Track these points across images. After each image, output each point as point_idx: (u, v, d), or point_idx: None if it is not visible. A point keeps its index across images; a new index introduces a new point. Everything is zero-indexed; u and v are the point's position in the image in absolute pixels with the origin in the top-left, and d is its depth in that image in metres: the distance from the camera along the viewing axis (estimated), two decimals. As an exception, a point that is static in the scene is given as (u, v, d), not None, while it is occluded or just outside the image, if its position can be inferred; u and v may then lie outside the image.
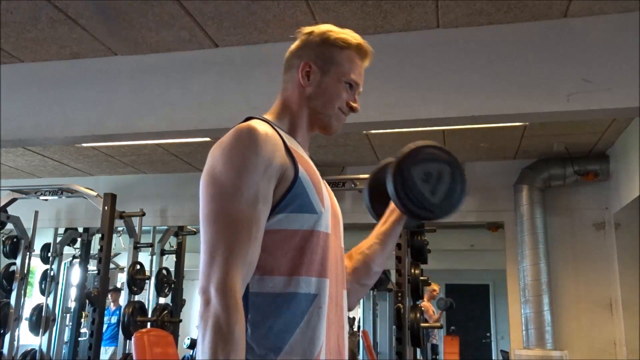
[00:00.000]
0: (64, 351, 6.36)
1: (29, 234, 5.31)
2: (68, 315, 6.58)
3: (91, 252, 6.62)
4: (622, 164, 4.60)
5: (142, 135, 3.35)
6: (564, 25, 2.81)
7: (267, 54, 3.08)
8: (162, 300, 5.84)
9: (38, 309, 5.67)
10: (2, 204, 5.05)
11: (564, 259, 5.08)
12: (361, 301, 10.20)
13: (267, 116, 1.20)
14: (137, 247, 5.25)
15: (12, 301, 4.99)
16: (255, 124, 1.08)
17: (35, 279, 7.13)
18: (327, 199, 1.14)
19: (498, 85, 2.84)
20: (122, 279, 7.08)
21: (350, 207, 5.23)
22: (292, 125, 1.20)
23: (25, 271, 5.23)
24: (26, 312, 5.64)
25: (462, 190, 1.25)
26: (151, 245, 5.82)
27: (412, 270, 3.89)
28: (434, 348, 7.87)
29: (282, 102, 1.23)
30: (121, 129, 3.28)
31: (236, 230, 0.99)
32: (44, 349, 5.70)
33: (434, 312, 7.48)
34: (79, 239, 6.57)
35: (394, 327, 3.61)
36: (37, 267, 7.11)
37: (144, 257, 5.54)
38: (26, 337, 6.00)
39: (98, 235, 4.82)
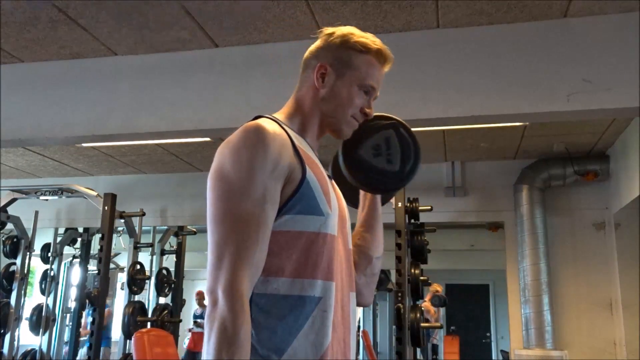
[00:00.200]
0: (63, 351, 6.36)
1: (29, 234, 5.31)
2: (68, 315, 6.58)
3: (91, 252, 6.62)
4: (622, 164, 4.60)
5: (142, 135, 3.35)
6: (564, 25, 2.82)
7: (267, 54, 3.08)
8: (162, 300, 5.84)
9: (38, 309, 5.67)
10: (2, 204, 5.05)
11: (564, 259, 5.08)
12: (361, 301, 10.18)
13: (278, 115, 1.19)
14: (137, 247, 5.26)
15: (12, 301, 5.00)
16: (264, 122, 1.07)
17: (35, 279, 7.14)
18: (334, 201, 1.13)
19: (498, 85, 2.84)
20: (122, 279, 7.07)
21: (350, 207, 5.21)
22: (302, 126, 1.19)
23: (25, 271, 5.23)
24: (26, 312, 5.64)
25: (415, 146, 1.24)
26: (151, 245, 5.82)
27: (412, 270, 3.89)
28: (434, 348, 7.87)
29: (295, 101, 1.22)
30: (121, 129, 3.29)
31: (244, 231, 0.98)
32: (44, 349, 5.70)
33: (435, 312, 7.48)
34: (79, 239, 6.57)
35: (394, 327, 3.61)
36: (37, 267, 7.11)
37: (144, 257, 5.54)
38: (26, 337, 6.00)
39: (98, 235, 4.82)
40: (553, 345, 4.76)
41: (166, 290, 5.90)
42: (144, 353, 3.61)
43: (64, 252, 6.46)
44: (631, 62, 2.67)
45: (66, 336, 6.51)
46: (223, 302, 0.93)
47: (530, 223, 5.00)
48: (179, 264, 6.37)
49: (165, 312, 5.28)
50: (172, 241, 6.44)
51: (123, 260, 7.01)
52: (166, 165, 5.73)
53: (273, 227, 1.03)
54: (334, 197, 1.14)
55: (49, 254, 6.20)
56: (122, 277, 6.55)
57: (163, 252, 6.24)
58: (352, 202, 1.35)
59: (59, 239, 6.34)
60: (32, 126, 3.38)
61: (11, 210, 5.19)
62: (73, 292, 6.71)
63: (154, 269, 5.79)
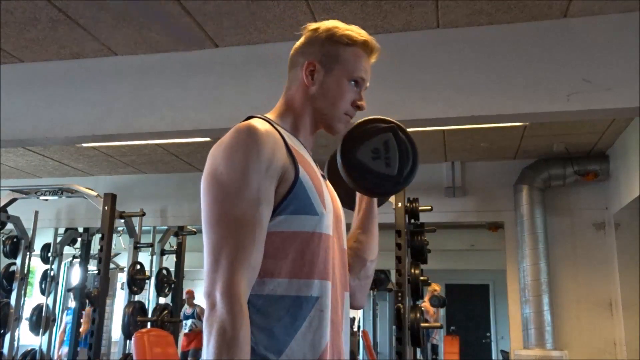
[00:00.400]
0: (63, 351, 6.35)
1: (29, 234, 5.31)
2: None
3: (91, 252, 6.62)
4: (622, 164, 4.60)
5: (142, 135, 3.35)
6: (564, 25, 2.82)
7: (267, 54, 3.08)
8: (162, 300, 5.84)
9: (38, 309, 5.67)
10: (2, 204, 5.05)
11: (564, 259, 5.08)
12: (361, 301, 10.18)
13: (270, 115, 1.18)
14: (137, 247, 5.25)
15: (12, 301, 4.99)
16: (256, 122, 1.07)
17: (35, 279, 7.13)
18: (329, 200, 1.12)
19: (498, 85, 2.84)
20: (122, 279, 7.07)
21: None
22: (294, 125, 1.19)
23: (25, 271, 5.22)
24: (26, 312, 5.64)
25: (413, 149, 1.24)
26: (151, 245, 5.82)
27: (412, 270, 3.89)
28: (434, 348, 7.87)
29: (285, 100, 1.21)
30: (121, 129, 3.28)
31: (240, 233, 0.98)
32: (44, 349, 5.70)
33: (434, 312, 7.48)
34: (79, 239, 6.57)
35: (394, 327, 3.61)
36: (37, 267, 7.11)
37: (144, 257, 5.54)
38: (26, 337, 6.00)
39: (98, 235, 4.82)
40: (553, 345, 4.76)
41: (166, 290, 5.91)
42: (144, 353, 3.61)
43: (64, 252, 6.46)
44: (631, 62, 2.67)
45: (66, 336, 6.51)
46: (221, 304, 0.93)
47: (530, 223, 5.00)
48: (179, 264, 6.37)
49: (165, 312, 5.28)
50: (172, 241, 6.44)
51: (123, 260, 7.02)
52: (166, 165, 5.73)
53: (268, 228, 1.02)
54: (328, 197, 1.13)
55: (49, 254, 6.21)
56: (122, 277, 6.56)
57: (163, 252, 6.24)
58: (349, 204, 1.35)
59: (59, 239, 6.34)
60: (32, 126, 3.38)
61: (11, 210, 5.19)
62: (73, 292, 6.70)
63: (154, 269, 5.79)
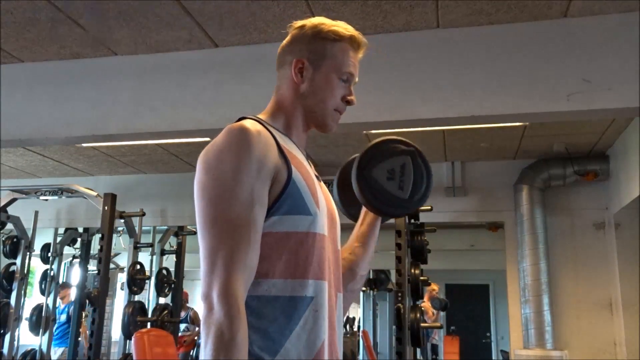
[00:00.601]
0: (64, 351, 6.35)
1: (29, 234, 5.31)
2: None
3: (91, 252, 6.61)
4: (622, 164, 4.60)
5: (142, 135, 3.35)
6: (564, 25, 2.81)
7: (267, 54, 3.07)
8: (162, 300, 5.84)
9: (38, 309, 5.67)
10: (2, 204, 5.05)
11: (564, 259, 5.08)
12: (361, 301, 10.20)
13: (261, 116, 1.18)
14: (137, 247, 5.25)
15: (12, 301, 4.99)
16: (247, 123, 1.06)
17: (35, 279, 7.13)
18: (322, 200, 1.12)
19: (498, 85, 2.84)
20: (122, 279, 7.07)
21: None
22: (287, 125, 1.18)
23: (25, 271, 5.22)
24: (26, 312, 5.64)
25: (428, 178, 1.25)
26: (151, 245, 5.82)
27: (412, 270, 3.89)
28: (434, 348, 7.87)
29: (276, 101, 1.21)
30: (121, 129, 3.28)
31: (235, 235, 0.98)
32: (44, 349, 5.70)
33: (433, 313, 7.48)
34: (79, 239, 6.57)
35: (394, 327, 3.61)
36: (37, 267, 7.11)
37: (144, 257, 5.54)
38: (26, 337, 5.99)
39: (98, 235, 4.82)
40: (553, 345, 4.76)
41: (166, 290, 5.90)
42: (144, 353, 3.61)
43: (64, 252, 6.46)
44: (631, 62, 2.67)
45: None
46: (218, 307, 0.92)
47: (530, 223, 5.00)
48: (179, 264, 6.37)
49: (165, 312, 5.28)
50: (172, 241, 6.44)
51: (123, 260, 7.02)
52: (166, 165, 5.73)
53: (262, 229, 1.02)
54: (322, 197, 1.13)
55: (49, 254, 6.20)
56: (122, 277, 6.55)
57: (163, 252, 6.23)
58: (354, 215, 1.35)
59: (59, 239, 6.34)
60: (32, 126, 3.38)
61: (11, 210, 5.19)
62: (73, 292, 6.70)
63: (154, 269, 5.79)
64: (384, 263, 8.65)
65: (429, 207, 4.23)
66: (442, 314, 7.61)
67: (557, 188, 5.17)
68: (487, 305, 11.08)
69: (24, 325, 5.51)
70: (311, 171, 1.15)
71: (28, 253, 5.25)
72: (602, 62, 2.72)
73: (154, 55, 3.28)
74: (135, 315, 4.78)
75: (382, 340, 10.00)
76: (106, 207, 4.54)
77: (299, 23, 1.21)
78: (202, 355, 0.92)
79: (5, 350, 4.92)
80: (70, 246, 6.57)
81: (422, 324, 3.67)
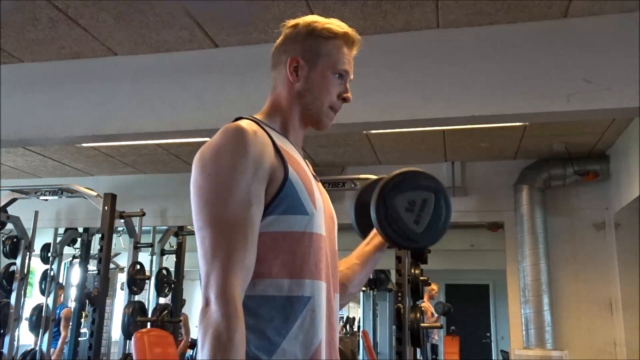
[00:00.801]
0: (64, 351, 6.35)
1: (29, 234, 5.30)
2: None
3: (91, 252, 6.62)
4: (622, 164, 4.60)
5: (142, 135, 3.35)
6: (564, 25, 2.81)
7: (267, 54, 3.07)
8: (162, 300, 5.84)
9: (38, 309, 5.67)
10: (2, 204, 5.05)
11: (564, 259, 5.08)
12: (361, 301, 10.21)
13: (258, 116, 1.18)
14: (137, 247, 5.25)
15: (12, 301, 4.99)
16: (243, 123, 1.06)
17: (35, 279, 7.13)
18: (319, 200, 1.11)
19: (498, 85, 2.84)
20: (122, 279, 7.07)
21: (350, 207, 5.20)
22: (283, 124, 1.18)
23: (25, 271, 5.22)
24: (26, 312, 5.63)
25: (446, 220, 1.23)
26: (151, 245, 5.82)
27: (412, 270, 3.89)
28: (434, 348, 7.88)
29: (272, 101, 1.20)
30: (121, 129, 3.28)
31: (232, 236, 0.97)
32: (44, 349, 5.70)
33: (432, 314, 7.48)
34: (79, 239, 6.57)
35: (394, 327, 3.61)
36: (37, 267, 7.10)
37: (144, 257, 5.54)
38: (26, 337, 5.99)
39: (98, 235, 4.82)
40: (553, 345, 4.76)
41: (166, 290, 5.90)
42: (144, 353, 3.61)
43: (64, 252, 6.46)
44: (631, 62, 2.67)
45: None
46: (216, 308, 0.92)
47: (530, 223, 5.00)
48: (179, 264, 6.37)
49: (165, 312, 5.28)
50: (172, 241, 6.44)
51: (123, 260, 7.02)
52: (166, 165, 5.73)
53: (259, 229, 1.02)
54: (319, 196, 1.12)
55: (49, 254, 6.20)
56: (122, 277, 6.55)
57: (163, 252, 6.24)
58: (363, 233, 1.35)
59: (59, 239, 6.34)
60: (32, 126, 3.38)
61: (11, 210, 5.19)
62: (73, 292, 6.70)
63: (154, 269, 5.79)
64: (384, 263, 8.66)
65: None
66: (439, 317, 7.61)
67: (557, 188, 5.17)
68: (487, 305, 11.08)
69: (24, 325, 5.50)
70: (308, 171, 1.15)
71: (28, 253, 5.25)
72: (602, 62, 2.72)
73: (154, 55, 3.28)
74: (135, 315, 4.78)
75: (382, 340, 10.01)
76: (106, 207, 4.54)
77: (291, 22, 1.22)
78: (199, 356, 0.92)
79: (5, 350, 4.92)
80: (70, 246, 6.57)
81: (422, 324, 3.67)
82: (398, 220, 1.21)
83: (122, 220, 4.94)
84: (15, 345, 5.09)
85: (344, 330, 9.41)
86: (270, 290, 1.01)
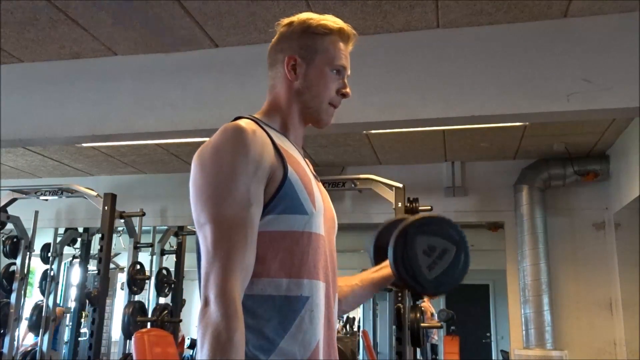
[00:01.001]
0: (64, 351, 6.35)
1: (29, 234, 5.31)
2: (68, 315, 6.58)
3: (91, 252, 6.62)
4: (622, 164, 4.60)
5: (142, 135, 3.35)
6: (564, 25, 2.81)
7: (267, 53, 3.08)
8: (162, 300, 5.84)
9: (38, 308, 5.67)
10: (2, 204, 5.05)
11: (564, 259, 5.08)
12: (361, 301, 10.19)
13: (257, 115, 1.17)
14: (137, 247, 5.25)
15: (12, 301, 4.99)
16: (243, 123, 1.06)
17: (35, 279, 7.13)
18: (319, 200, 1.11)
19: (498, 85, 2.84)
20: (122, 279, 7.07)
21: (350, 207, 5.22)
22: (283, 123, 1.18)
23: (25, 271, 5.22)
24: (26, 312, 5.63)
25: (459, 275, 1.23)
26: (151, 245, 5.82)
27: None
28: (434, 348, 7.88)
29: (271, 100, 1.20)
30: (121, 129, 3.28)
31: (232, 235, 0.97)
32: (44, 349, 5.70)
33: (432, 314, 7.47)
34: (79, 239, 6.57)
35: (394, 327, 3.61)
36: (37, 267, 7.10)
37: (144, 257, 5.53)
38: (26, 337, 5.99)
39: (98, 235, 4.82)
40: (553, 345, 4.76)
41: (166, 290, 5.90)
42: (144, 353, 3.61)
43: (64, 252, 6.46)
44: (631, 62, 2.67)
45: (66, 336, 6.51)
46: (215, 307, 0.92)
47: (530, 223, 5.00)
48: (179, 264, 6.37)
49: (165, 312, 5.28)
50: (172, 241, 6.44)
51: (123, 260, 7.02)
52: (166, 165, 5.73)
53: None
54: (319, 196, 1.12)
55: (49, 254, 6.20)
56: (122, 277, 6.55)
57: (163, 252, 6.23)
58: (376, 260, 1.34)
59: (59, 239, 6.34)
60: (32, 126, 3.38)
61: (11, 210, 5.19)
62: (73, 292, 6.70)
63: (154, 269, 5.79)
64: (384, 263, 8.65)
65: (429, 207, 4.24)
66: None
67: (557, 188, 5.17)
68: (487, 305, 11.07)
69: (24, 325, 5.50)
70: (309, 171, 1.15)
71: (28, 253, 5.25)
72: (602, 62, 2.72)
73: (154, 55, 3.28)
74: (135, 315, 4.78)
75: (382, 340, 10.00)
76: (106, 207, 4.54)
77: (286, 20, 1.21)
78: (198, 356, 0.92)
79: (5, 350, 4.92)
80: (70, 246, 6.57)
81: (422, 324, 3.67)
82: (413, 259, 1.20)
83: (122, 220, 4.94)
84: (15, 345, 5.10)
85: (344, 330, 9.41)
86: (268, 289, 1.01)
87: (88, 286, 6.07)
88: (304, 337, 1.01)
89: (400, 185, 4.05)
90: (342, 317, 10.02)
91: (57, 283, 6.20)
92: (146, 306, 5.18)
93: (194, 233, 6.35)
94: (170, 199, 5.98)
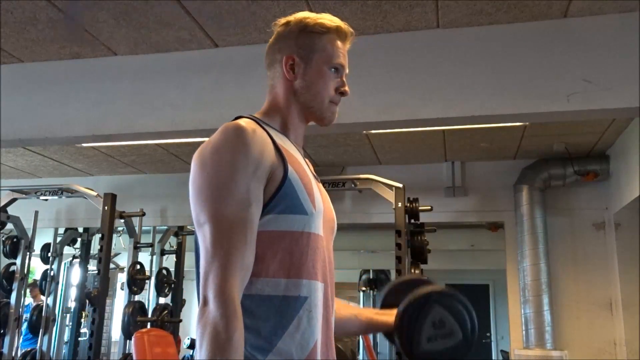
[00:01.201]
0: (64, 351, 6.35)
1: (29, 234, 5.31)
2: (68, 315, 6.57)
3: (91, 252, 6.62)
4: (622, 164, 4.60)
5: (142, 135, 3.35)
6: (564, 25, 2.81)
7: (267, 54, 3.08)
8: (162, 300, 5.84)
9: (38, 309, 5.67)
10: (2, 204, 5.05)
11: (564, 259, 5.08)
12: (361, 301, 10.20)
13: (257, 115, 1.18)
14: (137, 247, 5.25)
15: (12, 301, 4.99)
16: (243, 122, 1.06)
17: (35, 278, 7.12)
18: (319, 201, 1.11)
19: (498, 85, 2.84)
20: (122, 279, 7.07)
21: (350, 207, 5.22)
22: (283, 123, 1.18)
23: (25, 271, 5.22)
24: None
25: (461, 355, 1.21)
26: (151, 245, 5.82)
27: (412, 270, 3.89)
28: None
29: (271, 100, 1.20)
30: (121, 129, 3.28)
31: (231, 235, 0.97)
32: (44, 349, 5.70)
33: None
34: (79, 239, 6.57)
35: (394, 327, 3.60)
36: (37, 267, 7.10)
37: (144, 257, 5.53)
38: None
39: (98, 235, 4.82)
40: (553, 345, 4.76)
41: (166, 290, 5.90)
42: (144, 353, 3.61)
43: (64, 252, 6.46)
44: (631, 62, 2.67)
45: (66, 336, 6.51)
46: (214, 307, 0.92)
47: (530, 223, 5.00)
48: (179, 264, 6.37)
49: (165, 312, 5.28)
50: (172, 241, 6.44)
51: (123, 260, 7.01)
52: (166, 165, 5.73)
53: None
54: (319, 197, 1.12)
55: (49, 254, 6.19)
56: (122, 277, 6.55)
57: (163, 252, 6.23)
58: (386, 305, 1.34)
59: (59, 239, 6.34)
60: (32, 126, 3.38)
61: (11, 210, 5.19)
62: (73, 292, 6.70)
63: (154, 269, 5.79)
64: (384, 263, 8.65)
65: (429, 207, 4.24)
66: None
67: (557, 188, 5.17)
68: (487, 305, 11.07)
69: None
70: (309, 171, 1.15)
71: (28, 253, 5.25)
72: (602, 62, 2.72)
73: (154, 55, 3.28)
74: (135, 315, 4.78)
75: (382, 340, 9.99)
76: (106, 207, 4.55)
77: (283, 20, 1.21)
78: (197, 356, 0.92)
79: (5, 350, 4.92)
80: (70, 246, 6.56)
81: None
82: (418, 327, 1.19)
83: (122, 220, 4.94)
84: (15, 345, 5.10)
85: (344, 330, 9.40)
86: (267, 289, 1.01)
87: (88, 286, 6.06)
88: (302, 338, 1.01)
89: (400, 185, 4.05)
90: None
91: (57, 283, 6.20)
92: (146, 306, 5.18)
93: (193, 233, 6.38)
94: (170, 199, 5.98)
